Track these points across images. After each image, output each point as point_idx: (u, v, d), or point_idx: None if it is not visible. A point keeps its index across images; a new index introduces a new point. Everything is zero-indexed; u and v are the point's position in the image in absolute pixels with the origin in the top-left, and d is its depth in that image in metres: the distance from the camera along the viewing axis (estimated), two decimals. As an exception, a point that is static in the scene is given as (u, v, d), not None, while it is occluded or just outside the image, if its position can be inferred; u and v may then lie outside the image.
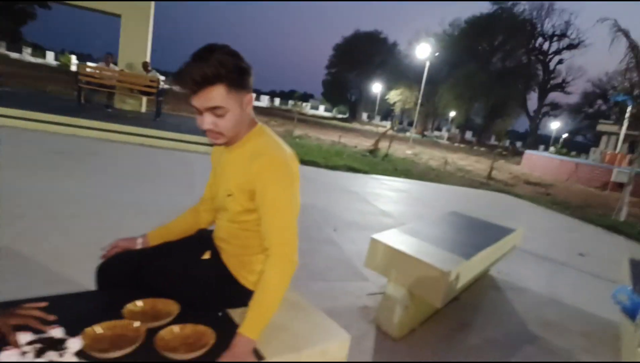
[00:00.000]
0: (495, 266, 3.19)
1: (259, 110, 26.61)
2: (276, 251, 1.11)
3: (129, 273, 1.29)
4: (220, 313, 1.22)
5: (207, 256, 1.28)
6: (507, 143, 39.31)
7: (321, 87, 63.12)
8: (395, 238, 2.27)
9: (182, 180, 4.91)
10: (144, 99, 10.11)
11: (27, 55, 38.60)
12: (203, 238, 1.37)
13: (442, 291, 1.91)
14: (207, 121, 1.09)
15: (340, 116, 59.24)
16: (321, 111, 65.80)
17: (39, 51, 44.23)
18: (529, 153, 19.65)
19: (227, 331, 1.09)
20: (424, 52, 23.26)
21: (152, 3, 10.05)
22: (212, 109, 1.07)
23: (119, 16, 9.76)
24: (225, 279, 1.25)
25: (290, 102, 57.10)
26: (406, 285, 2.07)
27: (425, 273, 1.96)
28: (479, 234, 2.78)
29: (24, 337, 0.86)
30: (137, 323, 1.06)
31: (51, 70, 26.05)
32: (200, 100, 1.06)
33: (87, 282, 2.19)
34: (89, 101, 8.64)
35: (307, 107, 63.51)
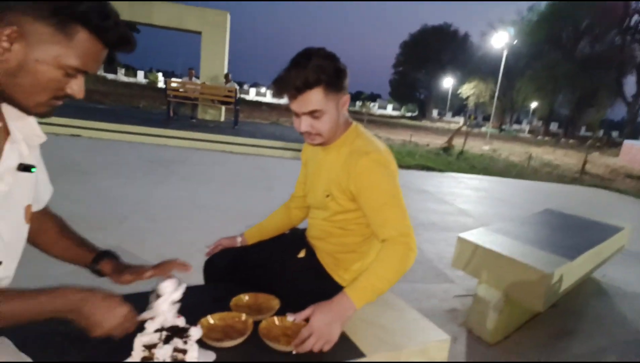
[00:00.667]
0: (599, 269, 2.89)
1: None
2: (398, 240, 1.10)
3: (232, 268, 1.38)
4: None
5: (302, 254, 1.32)
6: (600, 133, 35.44)
7: (388, 87, 62.29)
8: (485, 238, 2.15)
9: (260, 183, 5.13)
10: (223, 108, 10.75)
11: (121, 75, 43.21)
12: (297, 237, 1.41)
13: (543, 295, 1.77)
14: (305, 123, 1.12)
15: (409, 114, 57.89)
16: (389, 110, 64.93)
17: (131, 70, 49.25)
18: (628, 143, 17.50)
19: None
20: (500, 41, 21.89)
21: (228, 17, 10.67)
22: (311, 113, 1.10)
23: (199, 33, 10.50)
24: (320, 277, 1.28)
25: (358, 103, 57.03)
26: (501, 287, 1.95)
27: (524, 275, 1.83)
28: (580, 233, 2.53)
29: (152, 325, 0.94)
30: (244, 316, 1.12)
31: (142, 88, 28.85)
32: (299, 104, 1.09)
33: (185, 278, 2.38)
34: (176, 113, 9.40)
35: (374, 108, 63.11)
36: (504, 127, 40.55)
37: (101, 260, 1.00)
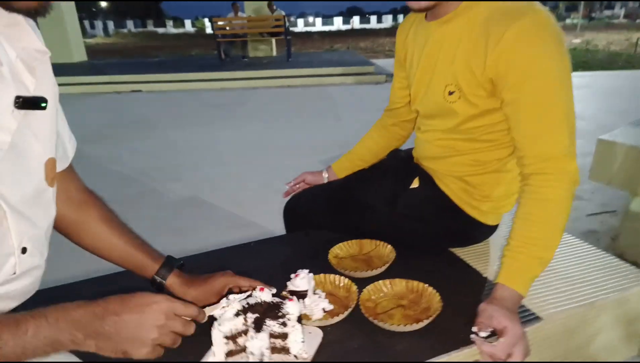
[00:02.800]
0: None
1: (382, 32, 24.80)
2: (551, 166, 0.71)
3: (321, 211, 1.08)
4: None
5: (415, 184, 0.97)
6: None
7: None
8: (637, 137, 1.63)
9: (326, 114, 4.78)
10: (274, 41, 10.22)
11: (170, 28, 43.61)
12: (402, 162, 1.05)
13: None
14: None
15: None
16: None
17: (179, 21, 49.38)
18: None
19: (453, 285, 0.78)
20: None
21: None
22: None
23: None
24: (445, 210, 0.93)
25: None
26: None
27: None
28: None
29: (229, 308, 0.66)
30: (345, 281, 0.82)
31: (191, 37, 28.76)
32: None
33: (266, 224, 2.20)
34: (228, 55, 9.10)
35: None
36: (593, 15, 34.85)
37: (170, 270, 0.72)
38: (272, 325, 0.64)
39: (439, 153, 0.93)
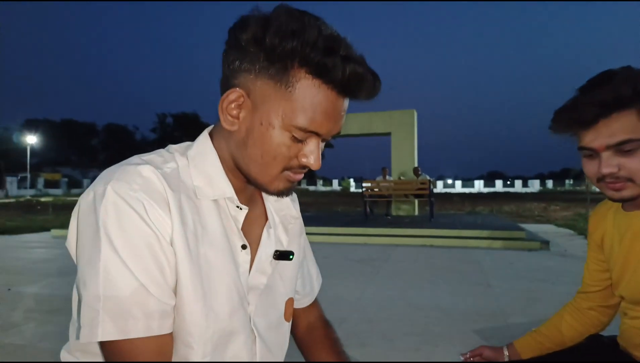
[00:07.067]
0: None
1: (530, 196, 23.87)
2: None
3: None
4: None
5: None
6: None
7: (602, 157, 52.60)
8: None
9: (474, 278, 4.52)
10: (416, 202, 10.73)
11: (320, 186, 50.19)
12: (607, 348, 0.95)
13: None
14: (608, 163, 0.77)
15: None
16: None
17: (327, 181, 56.87)
18: None
19: None
20: None
21: (415, 115, 11.14)
22: (617, 146, 0.76)
23: (389, 134, 11.22)
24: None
25: (568, 181, 50.00)
26: None
27: None
28: None
29: None
30: None
31: (337, 194, 32.19)
32: (600, 134, 0.77)
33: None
34: (372, 212, 9.82)
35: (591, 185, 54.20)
36: None
37: None
38: None
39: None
